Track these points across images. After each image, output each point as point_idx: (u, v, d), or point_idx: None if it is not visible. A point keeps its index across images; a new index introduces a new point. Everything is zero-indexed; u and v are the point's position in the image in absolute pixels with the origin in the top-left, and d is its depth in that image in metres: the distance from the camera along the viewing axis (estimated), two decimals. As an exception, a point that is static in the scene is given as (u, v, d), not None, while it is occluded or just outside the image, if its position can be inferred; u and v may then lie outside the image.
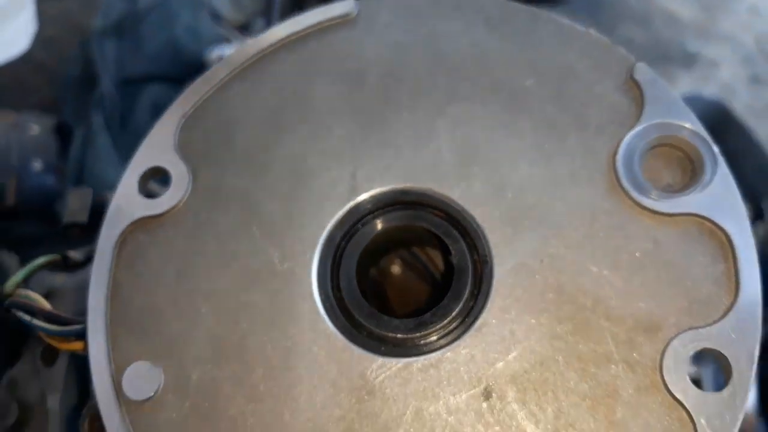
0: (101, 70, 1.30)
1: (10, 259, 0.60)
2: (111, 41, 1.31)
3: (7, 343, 0.55)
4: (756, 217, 1.49)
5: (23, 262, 0.47)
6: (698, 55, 1.95)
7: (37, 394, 0.50)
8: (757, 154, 1.52)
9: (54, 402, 0.47)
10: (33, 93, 1.35)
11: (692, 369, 0.27)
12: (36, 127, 1.25)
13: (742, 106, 1.83)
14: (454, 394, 0.27)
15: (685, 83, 1.85)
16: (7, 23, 0.97)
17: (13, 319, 0.47)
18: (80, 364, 0.47)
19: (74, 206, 0.53)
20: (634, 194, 0.29)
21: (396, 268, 0.37)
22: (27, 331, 0.51)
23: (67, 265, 0.41)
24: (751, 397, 1.21)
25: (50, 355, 0.48)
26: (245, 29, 1.38)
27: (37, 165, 1.22)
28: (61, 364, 0.48)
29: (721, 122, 1.59)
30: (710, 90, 1.84)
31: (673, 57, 1.94)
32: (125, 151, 1.16)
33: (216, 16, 1.38)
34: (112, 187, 0.38)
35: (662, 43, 1.97)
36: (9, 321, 0.47)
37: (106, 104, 1.24)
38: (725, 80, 1.90)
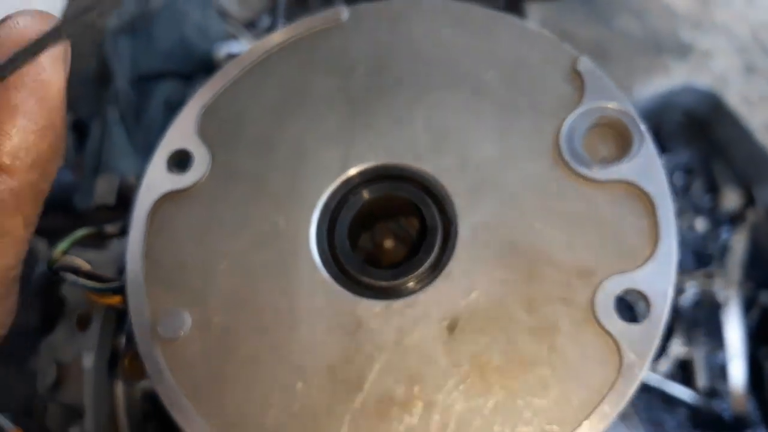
0: (116, 67, 1.34)
1: (40, 243, 0.66)
2: (125, 40, 1.35)
3: (45, 313, 0.62)
4: (748, 202, 1.54)
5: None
6: (693, 45, 1.99)
7: (73, 355, 0.57)
8: (749, 142, 1.57)
9: (88, 361, 0.53)
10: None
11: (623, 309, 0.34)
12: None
13: (736, 95, 1.87)
14: (425, 327, 0.33)
15: (679, 73, 1.89)
16: None
17: (55, 288, 0.54)
18: (108, 328, 0.54)
19: (103, 190, 0.60)
20: (575, 165, 0.35)
21: (384, 238, 0.43)
22: (62, 301, 0.58)
23: (102, 237, 0.47)
24: (741, 376, 1.27)
25: (84, 321, 0.55)
26: (252, 26, 1.43)
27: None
28: (95, 328, 0.54)
29: (713, 112, 1.64)
30: (704, 80, 1.88)
31: (667, 48, 1.98)
32: (140, 143, 1.21)
33: (223, 14, 1.42)
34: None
35: (657, 35, 2.01)
36: (50, 292, 0.54)
37: (121, 100, 1.28)
38: (720, 70, 1.93)
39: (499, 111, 0.37)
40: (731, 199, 1.58)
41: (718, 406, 1.29)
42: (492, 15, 0.38)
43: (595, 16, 1.99)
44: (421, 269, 0.35)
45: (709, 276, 1.39)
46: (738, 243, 1.49)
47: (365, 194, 0.37)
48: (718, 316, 1.40)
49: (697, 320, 1.43)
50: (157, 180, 0.39)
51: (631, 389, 0.31)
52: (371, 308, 0.34)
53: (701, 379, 1.31)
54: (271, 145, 0.38)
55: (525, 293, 0.33)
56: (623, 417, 0.70)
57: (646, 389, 1.30)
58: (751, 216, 1.57)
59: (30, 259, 0.45)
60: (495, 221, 0.34)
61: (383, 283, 0.35)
